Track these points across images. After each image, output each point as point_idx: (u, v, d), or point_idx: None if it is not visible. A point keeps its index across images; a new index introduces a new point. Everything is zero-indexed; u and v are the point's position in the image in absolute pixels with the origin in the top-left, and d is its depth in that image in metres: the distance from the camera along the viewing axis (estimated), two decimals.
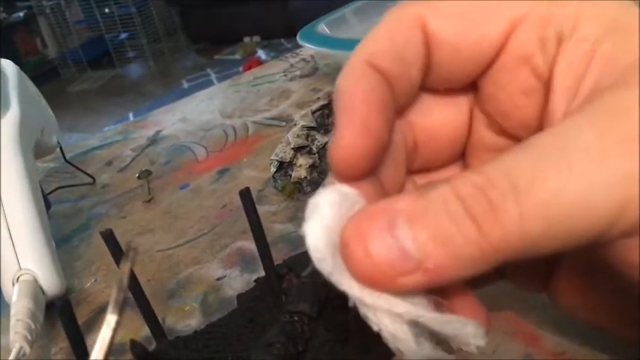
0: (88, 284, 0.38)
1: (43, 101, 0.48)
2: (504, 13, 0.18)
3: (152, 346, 0.28)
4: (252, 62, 3.18)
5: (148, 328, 0.28)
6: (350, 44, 0.56)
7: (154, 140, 0.59)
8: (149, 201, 0.47)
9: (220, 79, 3.20)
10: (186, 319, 0.32)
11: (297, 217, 0.38)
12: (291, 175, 0.41)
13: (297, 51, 0.74)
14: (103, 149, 0.60)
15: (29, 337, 0.28)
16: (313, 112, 0.44)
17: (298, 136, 0.42)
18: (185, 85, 3.53)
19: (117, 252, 0.25)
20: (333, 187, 0.17)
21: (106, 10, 3.98)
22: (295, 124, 0.44)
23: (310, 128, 0.43)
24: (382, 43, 0.19)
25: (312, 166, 0.41)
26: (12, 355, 0.27)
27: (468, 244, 0.14)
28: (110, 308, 0.17)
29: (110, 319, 0.17)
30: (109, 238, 0.25)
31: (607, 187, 0.13)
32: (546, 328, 0.25)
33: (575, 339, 0.24)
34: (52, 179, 0.55)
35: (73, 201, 0.50)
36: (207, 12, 3.87)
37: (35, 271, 0.33)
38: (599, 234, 0.14)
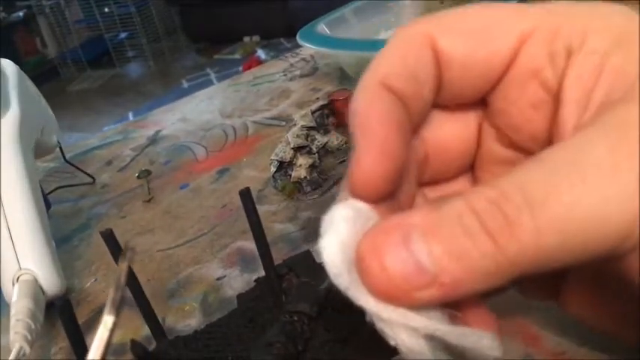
0: (88, 284, 0.38)
1: (43, 101, 0.48)
2: (513, 28, 0.18)
3: (152, 346, 0.28)
4: (252, 62, 3.18)
5: (148, 328, 0.28)
6: (350, 44, 0.56)
7: (153, 140, 0.59)
8: (149, 201, 0.47)
9: (220, 79, 3.20)
10: (186, 319, 0.32)
11: (297, 217, 0.38)
12: (291, 175, 0.41)
13: (297, 51, 0.74)
14: (103, 149, 0.60)
15: (29, 337, 0.28)
16: (313, 112, 0.44)
17: (298, 136, 0.42)
18: (185, 84, 3.53)
19: (117, 252, 0.25)
20: (347, 202, 0.18)
21: (106, 10, 3.97)
22: (295, 124, 0.44)
23: (310, 128, 0.43)
24: (394, 63, 0.19)
25: (312, 166, 0.41)
26: (12, 355, 0.27)
27: (484, 258, 0.14)
28: (107, 309, 0.17)
29: (107, 320, 0.17)
30: (109, 237, 0.25)
31: (620, 202, 0.13)
32: (546, 328, 0.25)
33: (575, 339, 0.24)
34: (52, 179, 0.55)
35: (72, 201, 0.50)
36: (207, 12, 3.87)
37: (35, 271, 0.33)
38: (613, 248, 0.14)
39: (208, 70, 3.67)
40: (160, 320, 0.28)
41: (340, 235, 0.17)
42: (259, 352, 0.24)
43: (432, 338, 0.16)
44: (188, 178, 0.49)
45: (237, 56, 3.76)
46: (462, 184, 0.23)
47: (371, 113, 0.18)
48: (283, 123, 0.55)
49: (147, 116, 0.68)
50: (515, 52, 0.18)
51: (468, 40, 0.18)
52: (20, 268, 0.33)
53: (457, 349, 0.17)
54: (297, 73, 0.67)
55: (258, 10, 3.68)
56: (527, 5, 0.18)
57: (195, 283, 0.35)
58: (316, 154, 0.42)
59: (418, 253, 0.15)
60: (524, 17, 0.18)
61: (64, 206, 0.50)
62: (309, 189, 0.41)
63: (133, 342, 0.25)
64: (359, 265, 0.16)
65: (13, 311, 0.30)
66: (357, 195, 0.18)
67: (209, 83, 3.17)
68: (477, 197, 0.15)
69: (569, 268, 0.19)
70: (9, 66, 0.43)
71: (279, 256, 0.32)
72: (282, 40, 3.71)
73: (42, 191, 0.40)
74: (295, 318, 0.26)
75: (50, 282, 0.33)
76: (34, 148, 0.42)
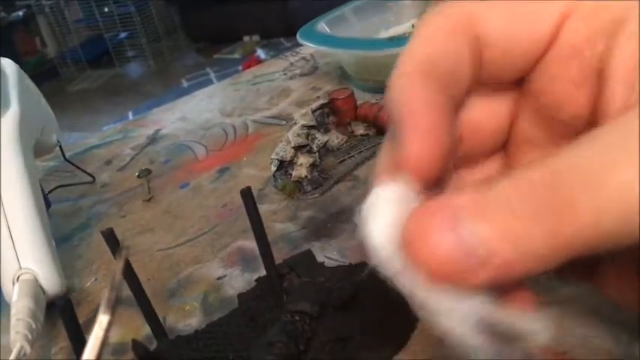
0: (89, 283, 0.38)
1: (43, 100, 0.48)
2: (553, 6, 0.18)
3: (153, 346, 0.28)
4: (252, 61, 3.18)
5: (149, 328, 0.28)
6: (350, 43, 0.56)
7: (153, 139, 0.59)
8: (149, 200, 0.47)
9: (220, 78, 3.20)
10: (186, 319, 0.32)
11: (298, 216, 0.38)
12: (291, 174, 0.41)
13: (297, 50, 0.74)
14: (103, 148, 0.60)
15: (30, 336, 0.28)
16: (313, 111, 0.44)
17: (298, 135, 0.42)
18: (185, 84, 3.53)
19: (117, 251, 0.25)
20: (387, 185, 0.17)
21: (106, 10, 3.97)
22: (295, 123, 0.44)
23: (310, 127, 0.43)
24: (433, 45, 0.18)
25: (313, 165, 0.41)
26: (13, 355, 0.27)
27: (536, 240, 0.14)
28: (102, 308, 0.17)
29: (102, 319, 0.17)
30: (110, 237, 0.25)
31: None
32: None
33: (575, 339, 0.24)
34: (52, 178, 0.55)
35: (72, 200, 0.50)
36: (206, 11, 3.87)
37: (35, 271, 0.33)
38: None
39: (208, 70, 3.67)
40: (161, 320, 0.28)
41: (386, 219, 0.16)
42: (260, 352, 0.24)
43: (482, 324, 0.16)
44: (188, 177, 0.49)
45: (236, 56, 3.75)
46: (495, 165, 0.22)
47: (414, 97, 0.17)
48: (283, 122, 0.55)
49: (147, 115, 0.68)
50: (557, 31, 0.18)
51: (508, 20, 0.18)
52: (20, 267, 0.33)
53: (508, 334, 0.16)
54: (297, 72, 0.67)
55: (258, 9, 3.68)
56: None
57: (196, 282, 0.35)
58: (317, 153, 0.42)
59: (467, 235, 0.14)
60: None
61: (64, 205, 0.50)
62: (309, 188, 0.41)
63: (134, 342, 0.25)
64: (407, 248, 0.15)
65: (13, 311, 0.30)
66: (409, 178, 0.17)
67: (209, 83, 3.17)
68: (526, 177, 0.14)
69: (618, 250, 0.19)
70: (9, 65, 0.43)
71: (279, 255, 0.32)
72: (282, 39, 3.70)
73: (42, 190, 0.40)
74: (296, 317, 0.26)
75: (50, 281, 0.33)
76: (34, 147, 0.42)
